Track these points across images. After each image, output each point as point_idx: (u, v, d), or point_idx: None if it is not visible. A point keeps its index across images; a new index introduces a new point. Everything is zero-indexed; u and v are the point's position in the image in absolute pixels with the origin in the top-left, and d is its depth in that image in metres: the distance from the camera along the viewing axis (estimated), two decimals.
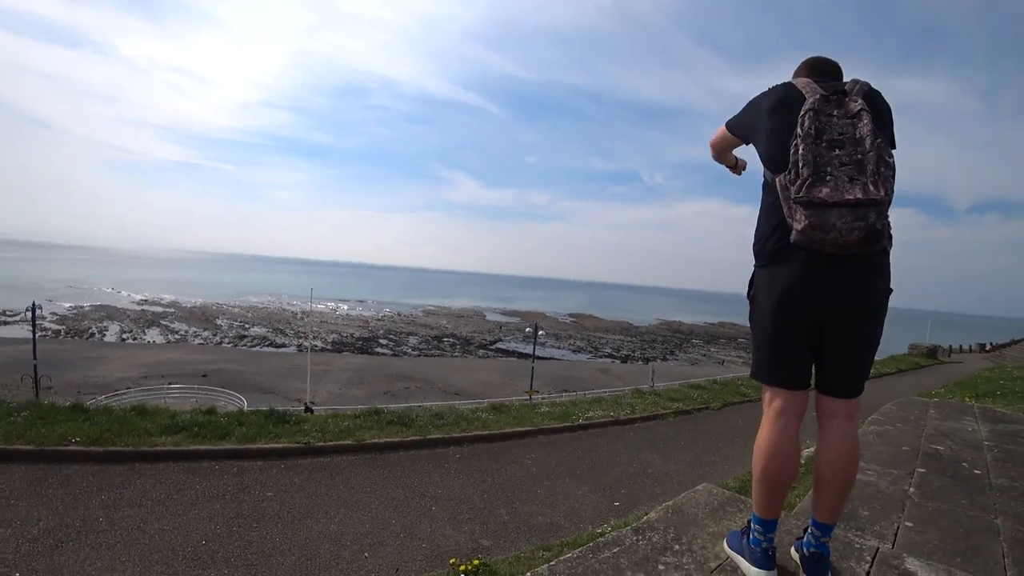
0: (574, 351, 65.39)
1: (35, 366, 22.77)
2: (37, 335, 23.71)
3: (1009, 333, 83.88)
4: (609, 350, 68.25)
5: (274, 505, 6.24)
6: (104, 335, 55.60)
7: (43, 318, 54.74)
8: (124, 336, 55.64)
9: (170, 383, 26.83)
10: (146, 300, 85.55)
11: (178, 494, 6.31)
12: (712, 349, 75.67)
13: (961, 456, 4.66)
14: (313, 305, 46.47)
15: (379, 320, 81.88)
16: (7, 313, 60.07)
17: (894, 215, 1.72)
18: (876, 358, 1.96)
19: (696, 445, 10.31)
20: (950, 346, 47.66)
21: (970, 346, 54.56)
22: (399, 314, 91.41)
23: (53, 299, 73.12)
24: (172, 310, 76.72)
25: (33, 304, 24.39)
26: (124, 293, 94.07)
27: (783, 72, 1.66)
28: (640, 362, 58.95)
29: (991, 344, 54.40)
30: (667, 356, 66.18)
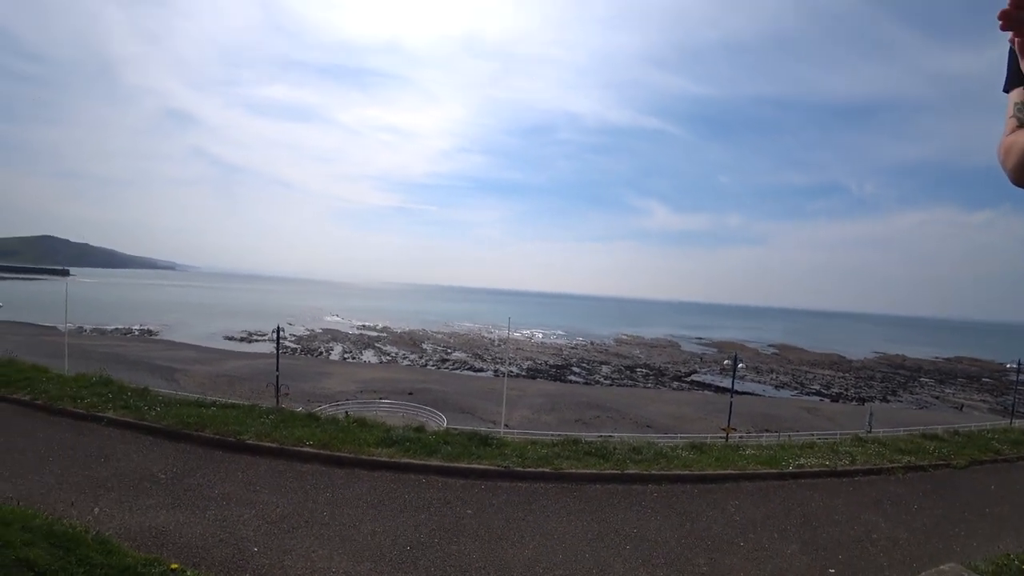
0: (776, 387, 60.33)
1: (277, 377, 26.99)
2: (280, 352, 28.04)
3: None
4: (817, 387, 61.83)
5: (473, 523, 6.41)
6: (330, 354, 64.17)
7: (285, 338, 64.71)
8: (345, 356, 63.62)
9: (381, 398, 29.87)
10: (364, 326, 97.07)
11: (390, 501, 6.79)
12: (947, 390, 64.61)
13: None
14: (510, 333, 48.89)
15: (572, 348, 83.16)
16: (259, 334, 73.62)
17: None
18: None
19: (933, 510, 8.57)
20: None
21: None
22: (592, 343, 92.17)
23: (292, 323, 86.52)
24: (385, 334, 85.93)
25: (278, 327, 29.22)
26: (346, 320, 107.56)
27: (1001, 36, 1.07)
28: (855, 402, 52.47)
29: None
30: (888, 396, 58.13)
